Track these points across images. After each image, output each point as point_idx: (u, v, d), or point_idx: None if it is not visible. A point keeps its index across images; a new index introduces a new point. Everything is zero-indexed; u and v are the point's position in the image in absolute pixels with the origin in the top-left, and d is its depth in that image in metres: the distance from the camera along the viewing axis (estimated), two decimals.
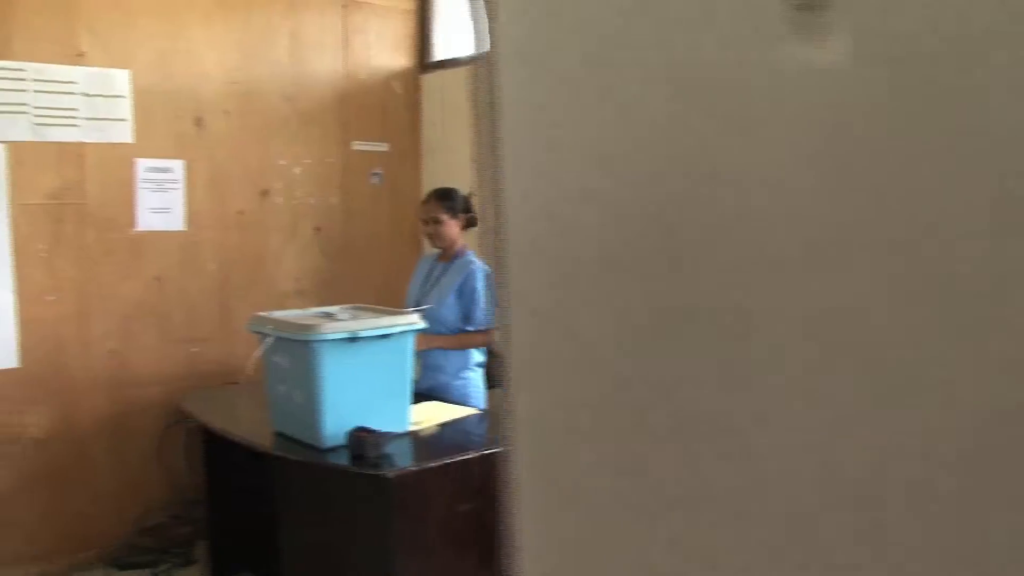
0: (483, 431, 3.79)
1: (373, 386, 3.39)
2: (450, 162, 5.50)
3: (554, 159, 0.63)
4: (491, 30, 0.63)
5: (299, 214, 5.21)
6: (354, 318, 3.48)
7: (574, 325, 0.65)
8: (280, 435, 3.55)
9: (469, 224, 4.33)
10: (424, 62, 5.67)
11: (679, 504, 0.60)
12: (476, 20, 0.66)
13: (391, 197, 5.60)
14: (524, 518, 0.68)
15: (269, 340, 3.36)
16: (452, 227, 4.25)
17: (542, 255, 0.65)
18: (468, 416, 3.86)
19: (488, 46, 0.64)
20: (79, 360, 4.45)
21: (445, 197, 4.26)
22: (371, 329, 3.32)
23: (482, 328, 4.19)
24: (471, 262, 4.25)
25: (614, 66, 0.59)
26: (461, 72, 5.44)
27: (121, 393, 4.57)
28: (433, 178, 5.56)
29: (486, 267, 4.24)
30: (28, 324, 4.31)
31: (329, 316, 3.53)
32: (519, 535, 0.68)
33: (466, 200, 4.31)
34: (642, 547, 0.64)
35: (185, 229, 4.71)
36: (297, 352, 3.29)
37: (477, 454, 3.33)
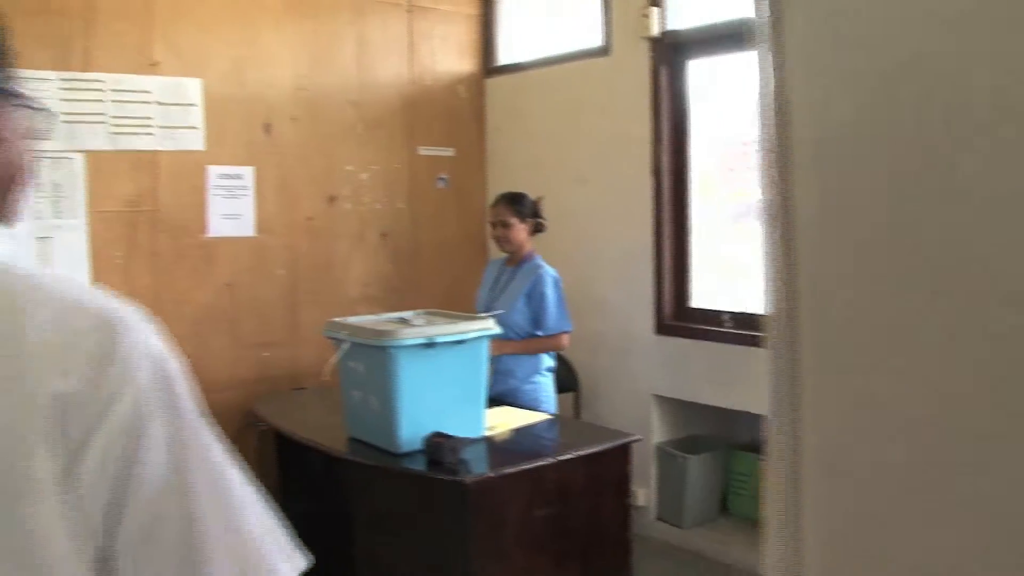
0: (556, 436, 3.78)
1: (449, 391, 3.39)
2: (514, 166, 5.51)
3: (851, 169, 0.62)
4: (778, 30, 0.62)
5: (366, 220, 5.23)
6: (429, 323, 3.48)
7: (875, 314, 0.63)
8: (354, 440, 3.56)
9: (537, 229, 4.32)
10: (488, 66, 5.69)
11: (984, 512, 0.58)
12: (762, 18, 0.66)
13: (457, 202, 5.61)
14: (809, 513, 0.66)
15: (345, 345, 3.37)
16: (520, 231, 4.25)
17: (845, 247, 0.63)
18: (540, 421, 3.85)
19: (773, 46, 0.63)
20: None
21: (514, 201, 4.26)
22: (448, 335, 3.32)
23: (552, 333, 4.18)
24: (539, 266, 4.24)
25: (910, 74, 0.57)
26: (525, 76, 5.45)
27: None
28: (497, 182, 5.56)
29: (554, 272, 4.24)
30: None
31: (404, 322, 3.54)
32: (805, 530, 0.66)
33: (534, 205, 4.31)
34: (930, 552, 0.62)
35: (255, 235, 4.76)
36: (374, 358, 3.30)
37: (554, 460, 3.32)
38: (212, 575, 0.88)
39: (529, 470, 3.26)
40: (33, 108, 0.95)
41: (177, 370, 0.93)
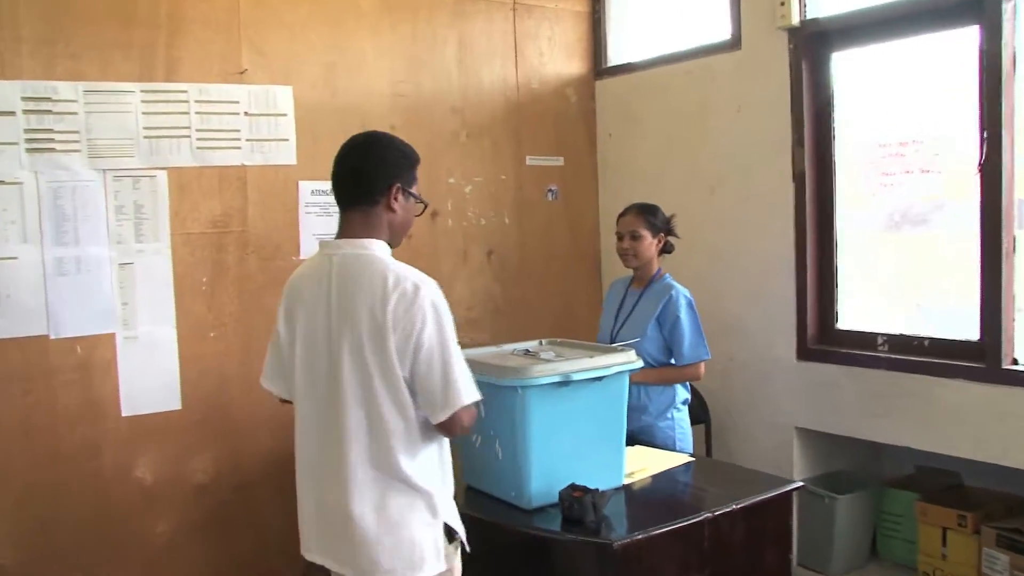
0: (705, 483, 3.27)
1: (585, 435, 2.93)
2: (629, 175, 5.05)
3: None
4: None
5: (471, 236, 4.82)
6: (560, 356, 3.02)
7: None
8: (472, 490, 3.12)
9: (665, 249, 3.85)
10: (599, 68, 5.23)
11: None
12: None
13: (567, 216, 5.17)
14: None
15: None
16: (651, 246, 3.79)
17: None
18: (681, 464, 3.36)
19: None
20: (242, 399, 4.11)
21: (648, 212, 3.79)
22: (586, 371, 2.85)
23: (689, 361, 3.69)
24: (671, 286, 3.76)
25: None
26: (640, 77, 4.99)
27: (286, 432, 4.16)
28: (611, 193, 5.15)
29: (687, 292, 3.75)
30: (189, 362, 4.00)
31: (530, 355, 3.08)
32: None
33: (667, 221, 3.83)
34: None
35: None
36: (500, 398, 2.85)
37: (711, 514, 2.82)
38: (455, 379, 2.27)
39: (684, 528, 2.76)
40: (420, 200, 2.49)
41: (441, 301, 2.29)
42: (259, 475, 4.19)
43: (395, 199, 2.39)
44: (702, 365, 3.73)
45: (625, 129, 5.09)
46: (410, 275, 2.27)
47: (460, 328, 4.52)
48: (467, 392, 2.29)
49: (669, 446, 3.67)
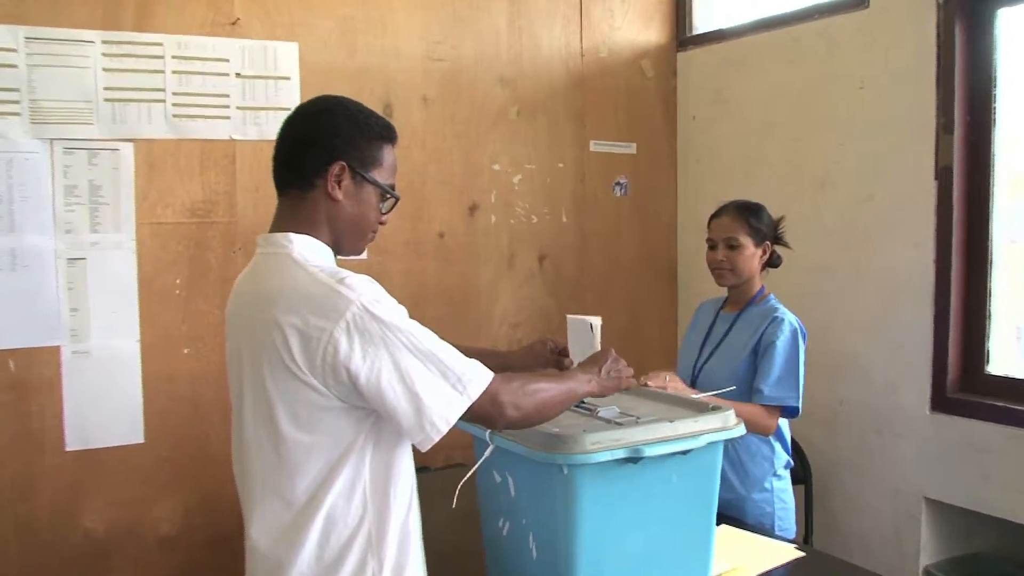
0: None
1: (658, 531, 2.02)
2: (715, 168, 4.22)
3: None
4: None
5: (519, 237, 4.05)
6: (626, 413, 2.12)
7: None
8: None
9: (771, 262, 2.94)
10: (682, 36, 4.41)
11: None
12: None
13: (638, 215, 4.38)
14: None
15: (489, 449, 2.02)
16: (753, 258, 2.89)
17: None
18: (788, 562, 2.44)
19: None
20: (221, 432, 3.40)
21: (750, 213, 2.90)
22: (664, 441, 1.94)
23: (766, 402, 2.74)
24: (775, 309, 2.86)
25: None
26: (732, 47, 4.16)
27: None
28: (693, 188, 4.37)
29: (796, 321, 2.83)
30: (155, 385, 3.32)
31: (584, 408, 2.18)
32: None
33: (774, 225, 2.92)
34: None
35: (366, 257, 3.62)
36: (536, 475, 1.97)
37: None
38: (424, 401, 1.63)
39: None
40: (386, 192, 1.83)
41: (375, 305, 1.63)
42: (238, 526, 3.38)
43: (337, 183, 1.79)
44: (777, 415, 2.78)
45: (713, 111, 4.26)
46: (327, 281, 1.68)
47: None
48: (451, 406, 1.68)
49: (766, 526, 2.77)
